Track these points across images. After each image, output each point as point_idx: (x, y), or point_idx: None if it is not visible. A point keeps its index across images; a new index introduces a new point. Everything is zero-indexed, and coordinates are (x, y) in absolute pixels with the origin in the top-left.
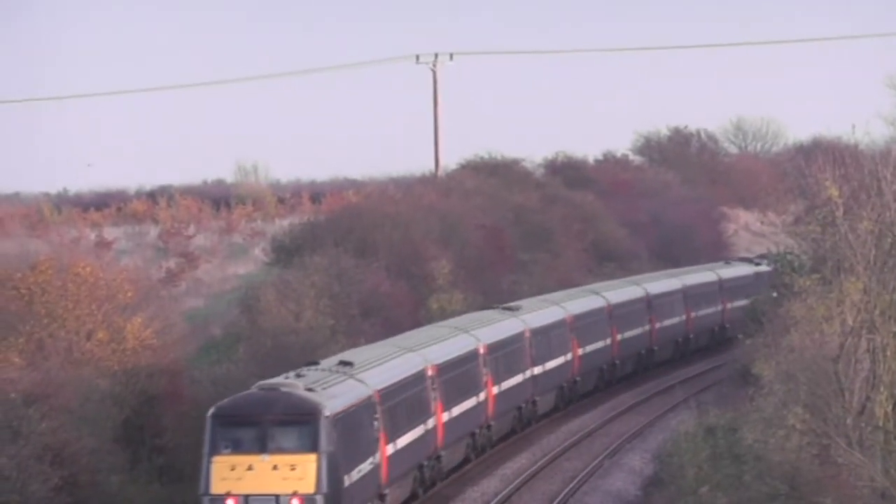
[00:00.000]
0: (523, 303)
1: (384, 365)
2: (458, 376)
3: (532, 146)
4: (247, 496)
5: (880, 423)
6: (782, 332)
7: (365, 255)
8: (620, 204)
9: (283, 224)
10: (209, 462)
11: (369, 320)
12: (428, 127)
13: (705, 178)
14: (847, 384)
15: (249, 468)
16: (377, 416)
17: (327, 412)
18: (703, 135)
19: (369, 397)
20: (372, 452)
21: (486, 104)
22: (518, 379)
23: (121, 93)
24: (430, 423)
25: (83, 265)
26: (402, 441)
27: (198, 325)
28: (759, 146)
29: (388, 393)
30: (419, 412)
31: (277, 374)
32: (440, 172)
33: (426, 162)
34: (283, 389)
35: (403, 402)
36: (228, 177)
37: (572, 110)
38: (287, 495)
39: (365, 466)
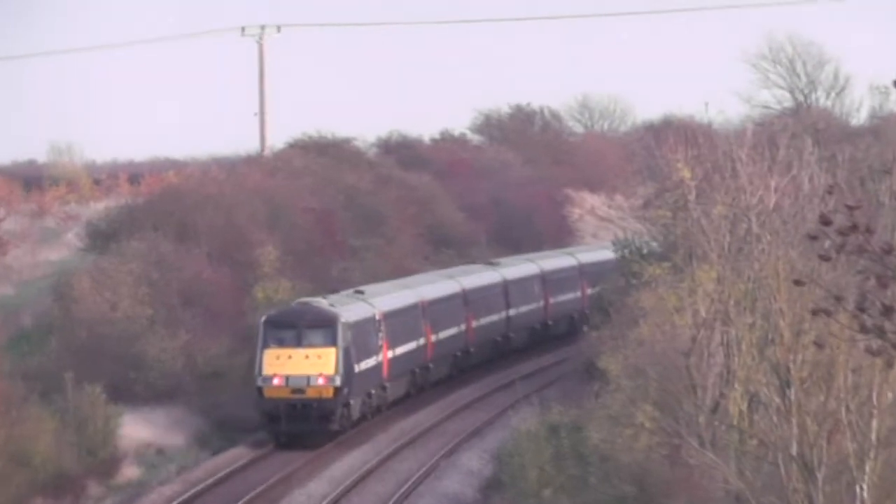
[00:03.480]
0: (504, 259)
1: (387, 295)
2: (443, 310)
3: (365, 124)
4: (287, 376)
5: (734, 422)
6: (630, 324)
7: (186, 240)
8: (458, 185)
9: (98, 207)
10: (262, 353)
11: (190, 310)
12: (253, 104)
13: (548, 159)
14: (699, 380)
15: (289, 357)
16: (381, 329)
17: (343, 319)
18: (546, 112)
19: (374, 315)
20: (376, 353)
21: (316, 80)
22: (494, 318)
23: None
24: (421, 341)
25: None
26: (400, 350)
27: (7, 314)
28: (605, 125)
29: (389, 314)
30: (413, 332)
31: (92, 368)
32: (266, 152)
33: (251, 141)
34: (313, 304)
35: (400, 323)
36: (41, 157)
37: (408, 87)
38: (315, 375)
39: (370, 361)
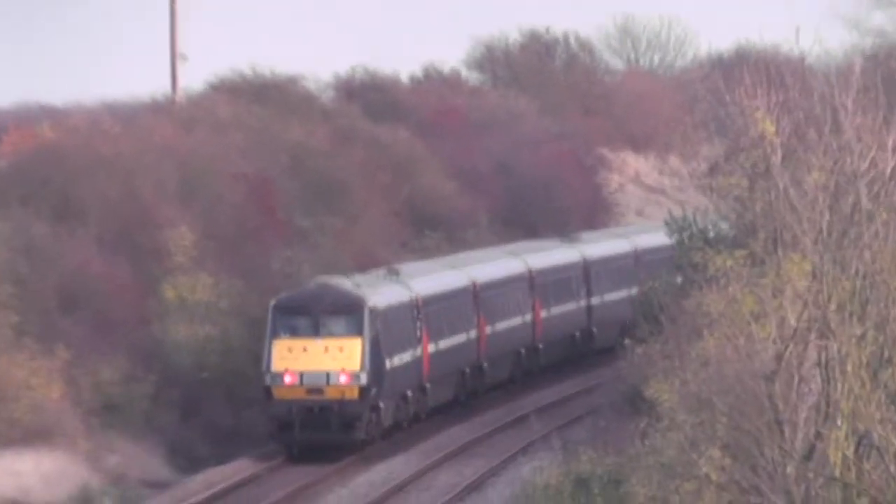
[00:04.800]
0: (584, 234)
1: (429, 275)
2: (501, 295)
3: (318, 58)
4: (302, 372)
5: (837, 473)
6: (690, 337)
7: (67, 219)
8: (449, 144)
9: None
10: (270, 344)
11: (73, 316)
12: (162, 30)
13: (576, 106)
14: (787, 414)
15: (304, 349)
16: (420, 317)
17: (371, 304)
18: (572, 41)
19: (412, 300)
20: (413, 347)
21: None
22: (570, 307)
23: None
24: (473, 333)
25: None
26: (444, 344)
27: None
28: (655, 59)
29: (430, 299)
30: (462, 322)
31: None
32: (180, 96)
33: (160, 81)
34: (334, 285)
35: (446, 310)
36: None
37: (377, 4)
38: (336, 371)
39: (405, 357)
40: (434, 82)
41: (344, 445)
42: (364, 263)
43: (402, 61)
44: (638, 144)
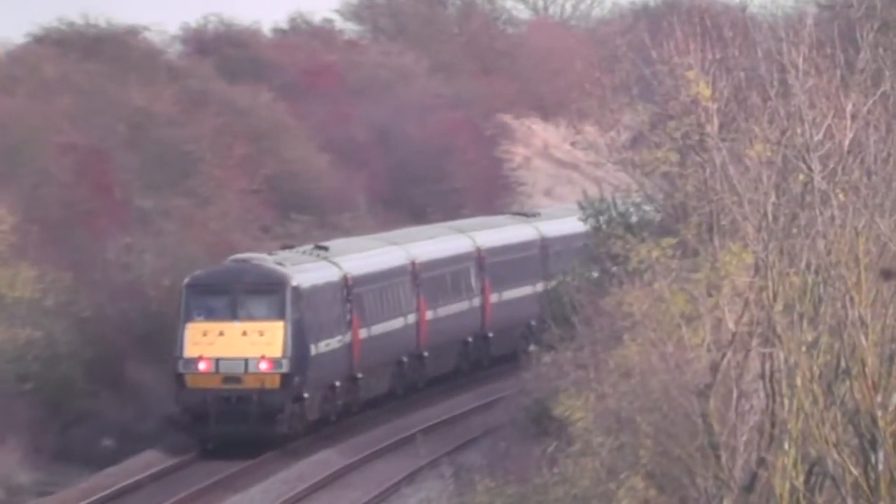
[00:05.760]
0: (543, 210)
1: (361, 253)
2: (445, 276)
3: (163, 5)
4: (217, 359)
5: None
6: (609, 343)
7: None
8: (321, 109)
9: None
10: (183, 328)
11: None
12: None
13: (474, 65)
14: (725, 437)
15: (221, 334)
16: (350, 299)
17: (295, 283)
18: None
19: (342, 279)
20: (342, 332)
21: None
22: (526, 290)
23: None
24: (411, 318)
25: None
26: (377, 329)
27: None
28: (568, 7)
29: (362, 279)
30: (399, 305)
31: None
32: None
33: None
34: (254, 262)
35: (380, 292)
36: None
37: None
38: (255, 358)
39: (333, 342)
40: (302, 35)
41: (264, 439)
42: (217, 252)
43: (264, 10)
44: (547, 111)
